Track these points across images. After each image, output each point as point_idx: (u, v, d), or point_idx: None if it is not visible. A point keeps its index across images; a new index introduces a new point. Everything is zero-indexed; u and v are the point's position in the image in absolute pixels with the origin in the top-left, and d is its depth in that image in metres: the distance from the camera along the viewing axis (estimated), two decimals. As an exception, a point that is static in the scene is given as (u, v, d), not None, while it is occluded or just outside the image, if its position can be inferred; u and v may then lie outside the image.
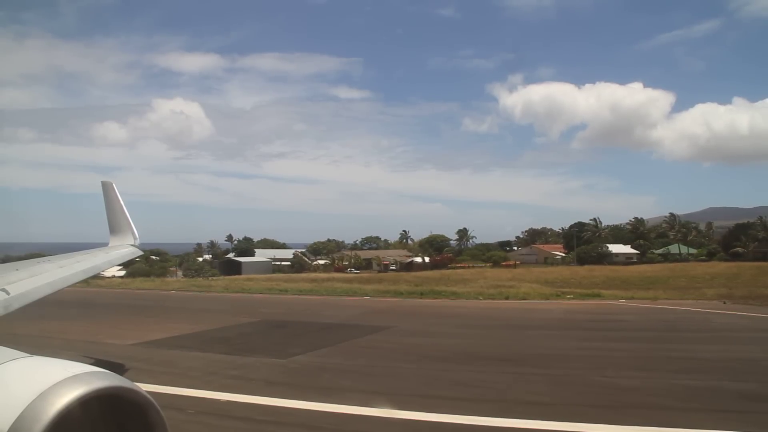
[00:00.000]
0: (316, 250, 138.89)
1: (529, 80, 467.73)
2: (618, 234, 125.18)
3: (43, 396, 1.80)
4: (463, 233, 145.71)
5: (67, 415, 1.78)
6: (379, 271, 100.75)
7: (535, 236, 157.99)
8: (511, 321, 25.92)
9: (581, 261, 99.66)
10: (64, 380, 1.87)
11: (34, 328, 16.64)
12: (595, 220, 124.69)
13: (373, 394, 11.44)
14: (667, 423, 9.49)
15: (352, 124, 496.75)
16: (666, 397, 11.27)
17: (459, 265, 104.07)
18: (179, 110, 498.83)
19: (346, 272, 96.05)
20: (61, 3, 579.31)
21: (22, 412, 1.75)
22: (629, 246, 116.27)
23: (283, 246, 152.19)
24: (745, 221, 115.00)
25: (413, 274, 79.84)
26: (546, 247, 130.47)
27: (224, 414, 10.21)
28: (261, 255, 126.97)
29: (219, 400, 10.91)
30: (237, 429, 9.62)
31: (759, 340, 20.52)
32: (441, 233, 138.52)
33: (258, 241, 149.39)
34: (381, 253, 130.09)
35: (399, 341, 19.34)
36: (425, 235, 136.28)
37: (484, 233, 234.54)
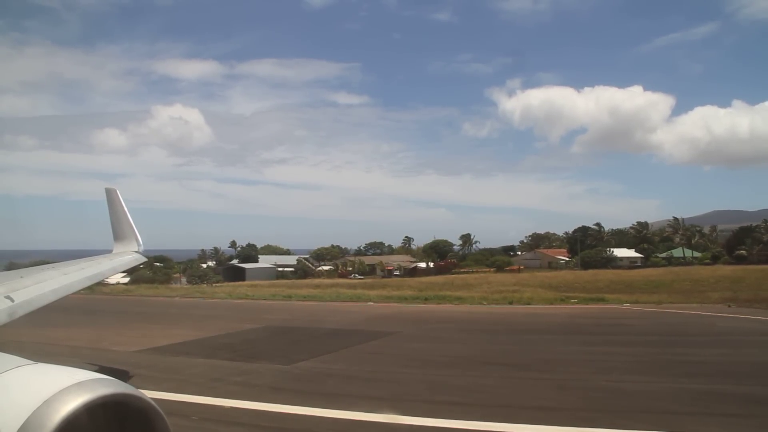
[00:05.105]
0: (320, 256, 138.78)
1: (528, 84, 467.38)
2: (622, 238, 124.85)
3: (48, 403, 1.81)
4: (466, 238, 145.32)
5: (72, 422, 1.78)
6: (383, 277, 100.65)
7: (538, 241, 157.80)
8: (515, 326, 25.88)
9: (585, 265, 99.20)
10: (68, 387, 1.87)
11: (38, 335, 16.68)
12: (598, 224, 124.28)
13: (378, 399, 11.43)
14: (671, 427, 9.46)
15: (353, 129, 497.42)
16: (670, 401, 11.23)
17: (463, 270, 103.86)
18: (180, 117, 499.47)
19: (350, 278, 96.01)
20: (61, 11, 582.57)
21: (27, 420, 1.76)
22: (633, 250, 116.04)
23: (287, 252, 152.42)
24: (749, 224, 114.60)
25: (417, 279, 79.81)
26: (550, 252, 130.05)
27: (229, 420, 10.20)
28: (264, 261, 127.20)
29: (223, 406, 10.91)
30: (241, 435, 9.63)
31: (764, 343, 20.46)
32: (444, 238, 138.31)
33: (261, 248, 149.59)
34: (385, 258, 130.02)
35: (403, 347, 19.32)
36: (429, 240, 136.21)
37: (488, 238, 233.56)
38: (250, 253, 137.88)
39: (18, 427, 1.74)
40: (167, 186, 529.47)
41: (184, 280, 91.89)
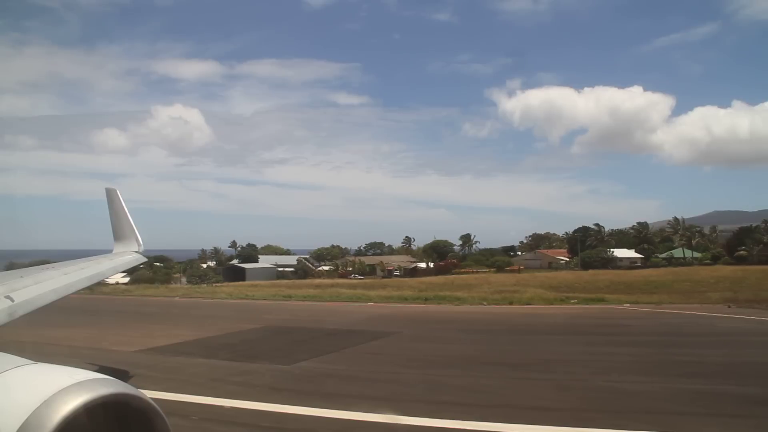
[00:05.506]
0: (320, 256, 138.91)
1: (528, 85, 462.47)
2: (622, 238, 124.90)
3: (48, 403, 1.81)
4: (466, 238, 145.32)
5: (71, 421, 1.78)
6: (383, 277, 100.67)
7: (539, 241, 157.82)
8: (515, 326, 25.88)
9: (585, 265, 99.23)
10: (68, 387, 1.88)
11: (38, 335, 16.65)
12: (598, 224, 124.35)
13: (378, 400, 11.43)
14: (671, 427, 9.48)
15: (353, 129, 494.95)
16: (670, 401, 11.23)
17: (463, 270, 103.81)
18: (180, 117, 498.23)
19: (350, 278, 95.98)
20: (61, 11, 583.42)
21: (26, 419, 1.76)
22: (633, 250, 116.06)
23: (287, 252, 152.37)
24: (749, 225, 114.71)
25: (417, 279, 79.84)
26: (550, 252, 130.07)
27: (229, 420, 10.21)
28: (265, 261, 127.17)
29: (223, 406, 10.91)
30: (241, 435, 9.63)
31: (763, 344, 20.48)
32: (445, 238, 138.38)
33: (262, 248, 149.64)
34: (385, 258, 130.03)
35: (403, 347, 19.32)
36: (429, 240, 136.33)
37: (488, 238, 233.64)
38: (250, 253, 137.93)
39: (18, 426, 1.75)
40: (167, 186, 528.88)
41: (184, 280, 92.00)
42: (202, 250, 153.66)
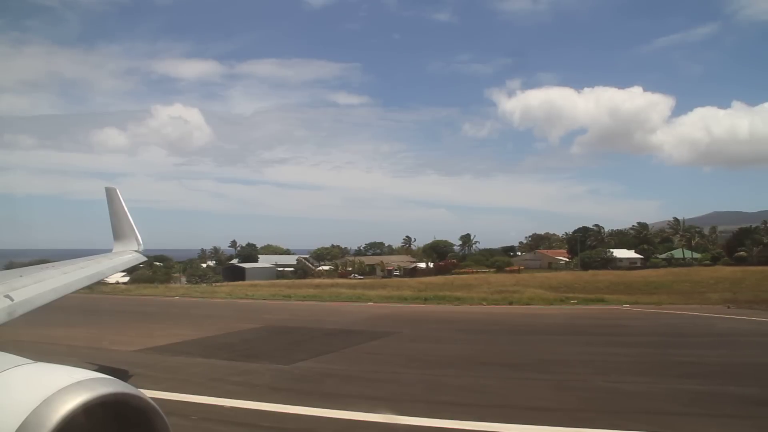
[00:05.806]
0: (320, 256, 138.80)
1: (528, 85, 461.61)
2: (622, 239, 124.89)
3: (48, 402, 1.81)
4: (466, 239, 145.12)
5: (71, 421, 1.79)
6: (383, 277, 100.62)
7: (538, 241, 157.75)
8: (515, 326, 25.89)
9: (585, 266, 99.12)
10: (68, 386, 1.88)
11: (38, 334, 16.66)
12: (597, 225, 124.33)
13: (378, 400, 11.44)
14: (670, 428, 9.48)
15: (353, 129, 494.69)
16: (669, 401, 11.24)
17: (463, 270, 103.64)
18: (179, 117, 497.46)
19: (350, 278, 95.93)
20: (61, 10, 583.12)
21: (26, 419, 1.76)
22: (633, 251, 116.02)
23: (287, 252, 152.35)
24: (749, 225, 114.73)
25: (417, 279, 79.79)
26: (550, 252, 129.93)
27: (228, 420, 10.22)
28: (265, 261, 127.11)
29: (223, 406, 10.92)
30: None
31: (763, 344, 20.48)
32: (444, 239, 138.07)
33: (262, 247, 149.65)
34: (385, 258, 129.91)
35: (403, 347, 19.33)
36: (429, 240, 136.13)
37: (488, 238, 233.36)
38: (250, 253, 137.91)
39: (17, 425, 1.75)
40: (167, 186, 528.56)
41: (183, 279, 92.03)
42: (202, 250, 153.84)
